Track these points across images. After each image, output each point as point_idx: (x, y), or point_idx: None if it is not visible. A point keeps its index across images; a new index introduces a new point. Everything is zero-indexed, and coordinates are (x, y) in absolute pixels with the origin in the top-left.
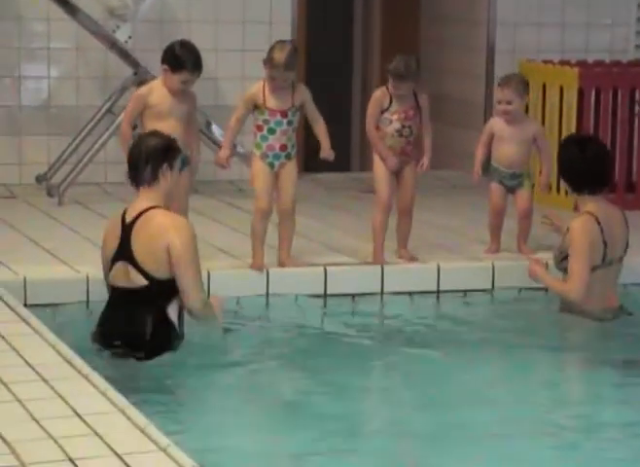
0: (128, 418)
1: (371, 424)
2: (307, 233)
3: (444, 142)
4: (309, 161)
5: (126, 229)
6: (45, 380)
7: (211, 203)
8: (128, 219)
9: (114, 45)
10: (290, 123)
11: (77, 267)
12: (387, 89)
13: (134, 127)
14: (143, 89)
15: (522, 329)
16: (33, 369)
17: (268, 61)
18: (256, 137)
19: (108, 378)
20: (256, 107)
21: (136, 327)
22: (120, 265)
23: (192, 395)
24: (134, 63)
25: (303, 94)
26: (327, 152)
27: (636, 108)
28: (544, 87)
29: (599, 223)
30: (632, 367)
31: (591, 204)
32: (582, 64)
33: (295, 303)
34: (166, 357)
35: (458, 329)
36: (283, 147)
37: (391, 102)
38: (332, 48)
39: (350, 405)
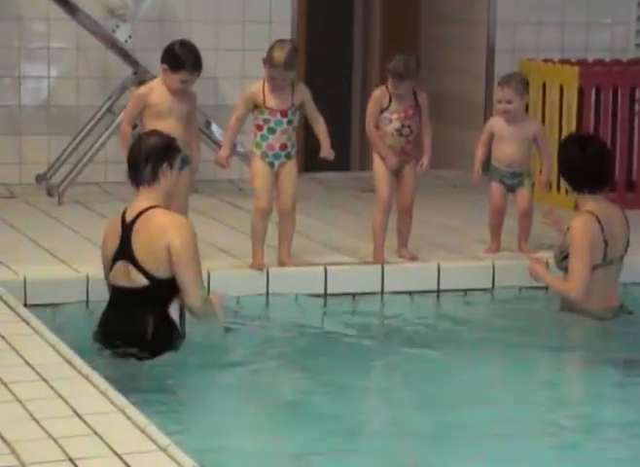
0: (128, 418)
1: (371, 424)
2: (307, 232)
3: (444, 142)
4: (309, 160)
5: (127, 228)
6: (45, 380)
7: (211, 203)
8: (129, 218)
9: (114, 44)
10: (290, 122)
11: (77, 266)
12: (387, 88)
13: (134, 127)
14: (143, 89)
15: (523, 328)
16: (33, 369)
17: (268, 61)
18: (256, 137)
19: (108, 378)
20: (256, 106)
21: (137, 326)
22: (120, 264)
23: (192, 395)
24: (134, 63)
25: (303, 94)
26: (327, 151)
27: (636, 107)
28: (544, 86)
29: (600, 222)
30: (633, 366)
31: (592, 204)
32: (582, 63)
33: (295, 302)
34: (167, 357)
35: (458, 328)
36: (283, 146)
37: (390, 101)
38: (332, 47)
39: (350, 405)
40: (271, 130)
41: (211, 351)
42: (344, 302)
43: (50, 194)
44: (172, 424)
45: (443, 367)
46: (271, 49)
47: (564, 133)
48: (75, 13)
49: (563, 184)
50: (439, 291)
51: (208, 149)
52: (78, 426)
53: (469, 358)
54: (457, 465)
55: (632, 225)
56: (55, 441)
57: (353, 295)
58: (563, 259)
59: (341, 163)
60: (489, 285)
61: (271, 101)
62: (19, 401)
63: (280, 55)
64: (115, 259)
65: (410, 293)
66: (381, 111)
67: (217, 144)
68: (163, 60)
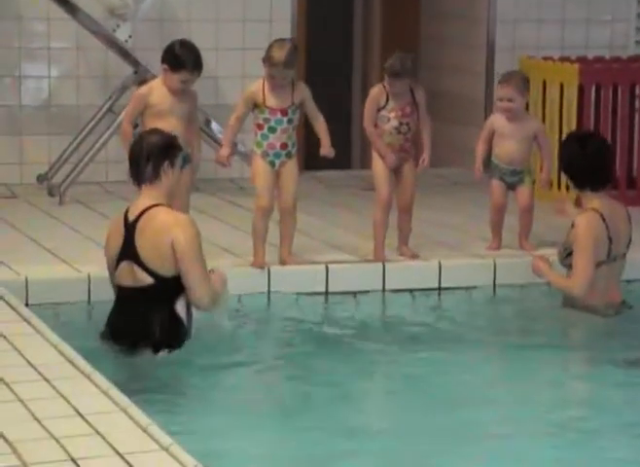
0: (130, 418)
1: (372, 424)
2: (308, 230)
3: (444, 139)
4: (310, 158)
5: (130, 227)
6: (47, 380)
7: (212, 201)
8: (131, 218)
9: (114, 44)
10: (290, 121)
11: (78, 266)
12: (384, 86)
13: (135, 126)
14: (143, 89)
15: (524, 327)
16: (35, 369)
17: (268, 60)
18: (256, 136)
19: (110, 378)
20: (256, 106)
21: (144, 325)
22: (124, 264)
23: (194, 394)
24: (134, 62)
25: (303, 92)
26: (327, 149)
27: (636, 104)
28: (544, 83)
29: (604, 219)
30: (635, 366)
31: (596, 201)
32: (582, 60)
33: (296, 301)
34: (169, 356)
35: (460, 326)
36: (284, 145)
37: (388, 100)
38: (332, 46)
39: (351, 405)
40: (272, 129)
41: (213, 351)
42: (346, 300)
43: (51, 193)
44: (174, 424)
45: (443, 366)
46: (271, 47)
47: (564, 131)
48: (75, 12)
49: (563, 181)
50: (440, 289)
51: (209, 148)
52: (80, 426)
53: (470, 356)
54: (458, 465)
55: (634, 222)
56: (57, 441)
57: (354, 293)
58: (567, 256)
59: (342, 162)
60: (491, 283)
61: (271, 100)
62: (21, 401)
63: (280, 54)
64: (119, 259)
65: (412, 291)
66: (379, 109)
67: (217, 143)
68: (164, 60)
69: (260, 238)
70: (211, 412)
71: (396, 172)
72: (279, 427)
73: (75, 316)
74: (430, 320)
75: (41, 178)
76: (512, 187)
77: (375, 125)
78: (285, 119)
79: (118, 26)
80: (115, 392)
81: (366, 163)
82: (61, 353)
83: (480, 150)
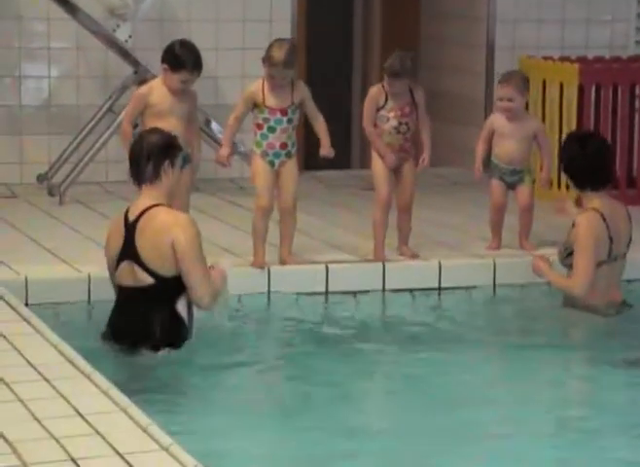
0: (130, 418)
1: (372, 424)
2: (308, 230)
3: (444, 139)
4: (310, 158)
5: (130, 227)
6: (47, 380)
7: (212, 201)
8: (131, 218)
9: (114, 44)
10: (290, 121)
11: (78, 266)
12: (383, 86)
13: (135, 126)
14: (143, 89)
15: (524, 326)
16: (35, 368)
17: (267, 60)
18: (256, 135)
19: (110, 378)
20: (255, 105)
21: (145, 325)
22: (125, 264)
23: (194, 394)
24: (134, 62)
25: (303, 92)
26: (327, 149)
27: (636, 104)
28: (544, 83)
29: (605, 219)
30: (635, 366)
31: (597, 201)
32: (582, 60)
33: (296, 300)
34: (170, 356)
35: (460, 326)
36: (283, 145)
37: (387, 100)
38: (332, 46)
39: (351, 405)
40: (271, 129)
41: (213, 351)
42: (346, 300)
43: (51, 193)
44: (174, 424)
45: (443, 366)
46: (270, 47)
47: (564, 131)
48: (75, 12)
49: (564, 181)
50: (440, 289)
51: (209, 148)
52: (80, 426)
53: (470, 356)
54: (458, 465)
55: (634, 221)
56: (57, 441)
57: (354, 293)
58: (568, 255)
59: (342, 162)
60: (491, 282)
61: (271, 100)
62: (21, 401)
63: (279, 54)
64: (119, 259)
65: (412, 291)
66: (378, 109)
67: (217, 143)
68: (164, 60)
69: (260, 238)
70: (211, 411)
71: (395, 172)
72: (279, 427)
73: (75, 316)
74: (430, 320)
75: (41, 178)
76: (512, 186)
77: (375, 125)
78: (285, 119)
79: (118, 26)
80: (115, 392)
81: (365, 163)
82: (61, 353)
83: (480, 150)
